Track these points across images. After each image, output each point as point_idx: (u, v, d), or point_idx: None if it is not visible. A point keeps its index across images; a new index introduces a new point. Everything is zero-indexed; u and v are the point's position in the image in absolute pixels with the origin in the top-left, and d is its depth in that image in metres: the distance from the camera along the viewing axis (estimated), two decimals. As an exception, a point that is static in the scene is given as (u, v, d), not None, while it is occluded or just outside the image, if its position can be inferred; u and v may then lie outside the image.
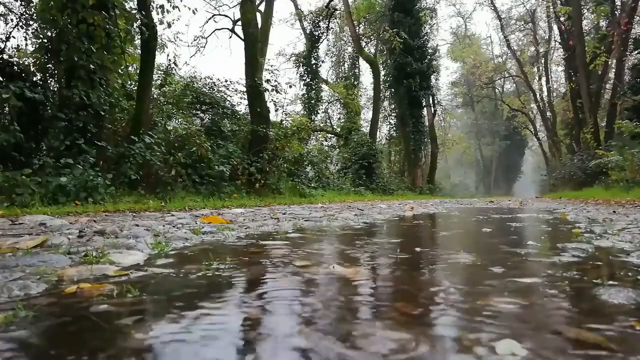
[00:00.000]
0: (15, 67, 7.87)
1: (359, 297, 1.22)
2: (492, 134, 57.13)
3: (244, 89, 13.94)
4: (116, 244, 2.21)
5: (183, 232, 2.87)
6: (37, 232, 2.87)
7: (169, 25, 10.62)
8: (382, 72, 28.26)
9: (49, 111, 7.89)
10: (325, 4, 28.71)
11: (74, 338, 0.89)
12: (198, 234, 2.81)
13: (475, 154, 58.39)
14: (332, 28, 30.65)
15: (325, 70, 32.76)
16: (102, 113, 8.28)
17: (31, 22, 8.82)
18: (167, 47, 15.51)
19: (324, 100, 30.25)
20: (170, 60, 15.06)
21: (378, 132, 29.81)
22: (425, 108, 29.94)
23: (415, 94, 27.08)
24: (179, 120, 12.59)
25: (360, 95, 31.50)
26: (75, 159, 7.32)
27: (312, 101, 28.24)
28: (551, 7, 28.74)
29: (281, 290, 1.30)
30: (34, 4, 8.68)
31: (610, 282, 1.36)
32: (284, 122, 16.81)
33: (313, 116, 27.37)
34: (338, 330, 0.92)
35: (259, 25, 15.69)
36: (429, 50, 29.50)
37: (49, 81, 8.44)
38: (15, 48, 8.80)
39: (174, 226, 3.43)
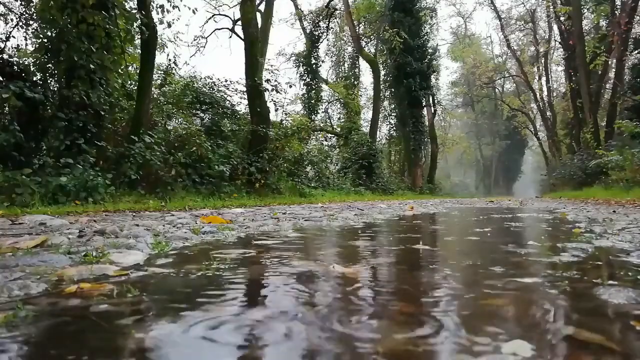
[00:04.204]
0: (15, 67, 7.87)
1: (358, 297, 1.22)
2: (492, 133, 57.07)
3: (244, 89, 13.93)
4: (116, 243, 2.21)
5: (183, 232, 2.87)
6: (37, 231, 2.87)
7: (169, 25, 10.63)
8: (382, 72, 28.26)
9: (49, 111, 7.89)
10: (325, 4, 28.70)
11: (74, 338, 0.89)
12: (198, 234, 2.81)
13: (475, 153, 58.35)
14: (332, 28, 30.67)
15: (325, 70, 32.80)
16: (102, 113, 8.28)
17: (31, 22, 8.83)
18: (167, 47, 15.45)
19: (324, 100, 30.23)
20: (170, 60, 15.04)
21: (378, 132, 29.79)
22: (425, 108, 29.94)
23: (415, 93, 27.07)
24: (179, 120, 12.59)
25: (360, 95, 31.50)
26: (75, 158, 7.32)
27: (312, 101, 28.21)
28: (551, 7, 28.71)
29: (281, 290, 1.30)
30: (34, 3, 8.69)
31: (611, 282, 1.36)
32: (284, 122, 16.81)
33: (313, 116, 27.33)
34: (335, 330, 0.93)
35: (259, 25, 15.70)
36: (429, 50, 29.50)
37: (49, 81, 8.44)
38: (15, 48, 8.82)
39: (174, 226, 3.43)
